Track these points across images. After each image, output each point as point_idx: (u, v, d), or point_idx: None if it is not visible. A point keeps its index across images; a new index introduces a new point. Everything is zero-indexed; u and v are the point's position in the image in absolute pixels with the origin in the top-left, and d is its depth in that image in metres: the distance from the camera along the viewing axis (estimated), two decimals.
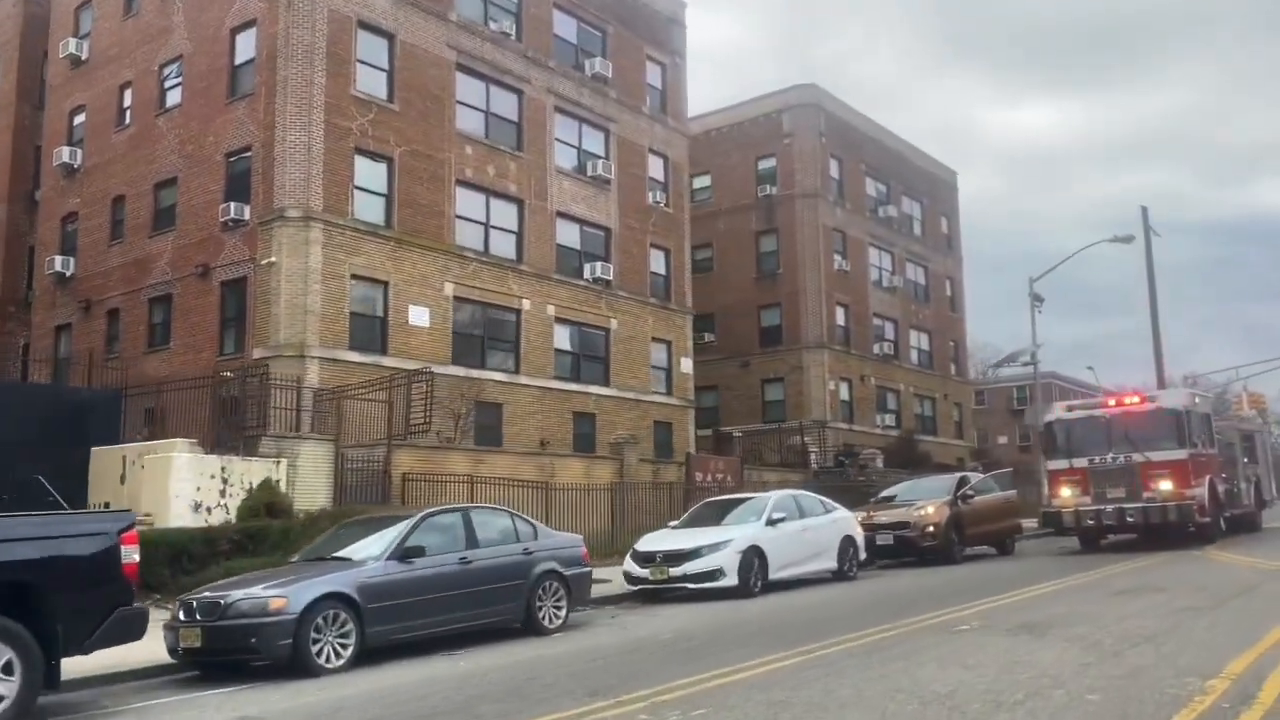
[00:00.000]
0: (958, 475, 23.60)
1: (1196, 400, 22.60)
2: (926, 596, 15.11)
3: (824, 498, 19.61)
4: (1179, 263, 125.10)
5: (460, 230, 30.44)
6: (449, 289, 29.72)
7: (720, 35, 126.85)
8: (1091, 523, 21.00)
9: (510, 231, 32.10)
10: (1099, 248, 39.43)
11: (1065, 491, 21.64)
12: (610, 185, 35.54)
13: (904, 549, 21.01)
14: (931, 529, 20.86)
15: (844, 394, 46.45)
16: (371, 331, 27.82)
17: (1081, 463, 21.59)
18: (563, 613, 13.26)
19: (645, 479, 29.61)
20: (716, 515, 18.10)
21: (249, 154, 27.45)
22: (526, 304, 32.05)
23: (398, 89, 28.85)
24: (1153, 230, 42.07)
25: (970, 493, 22.00)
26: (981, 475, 25.04)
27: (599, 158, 35.03)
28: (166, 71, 30.56)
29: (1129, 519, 20.60)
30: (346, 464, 22.42)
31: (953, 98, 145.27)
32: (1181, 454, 20.78)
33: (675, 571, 15.78)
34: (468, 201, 30.79)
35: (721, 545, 16.02)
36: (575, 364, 33.94)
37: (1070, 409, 22.71)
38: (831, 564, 18.16)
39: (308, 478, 21.80)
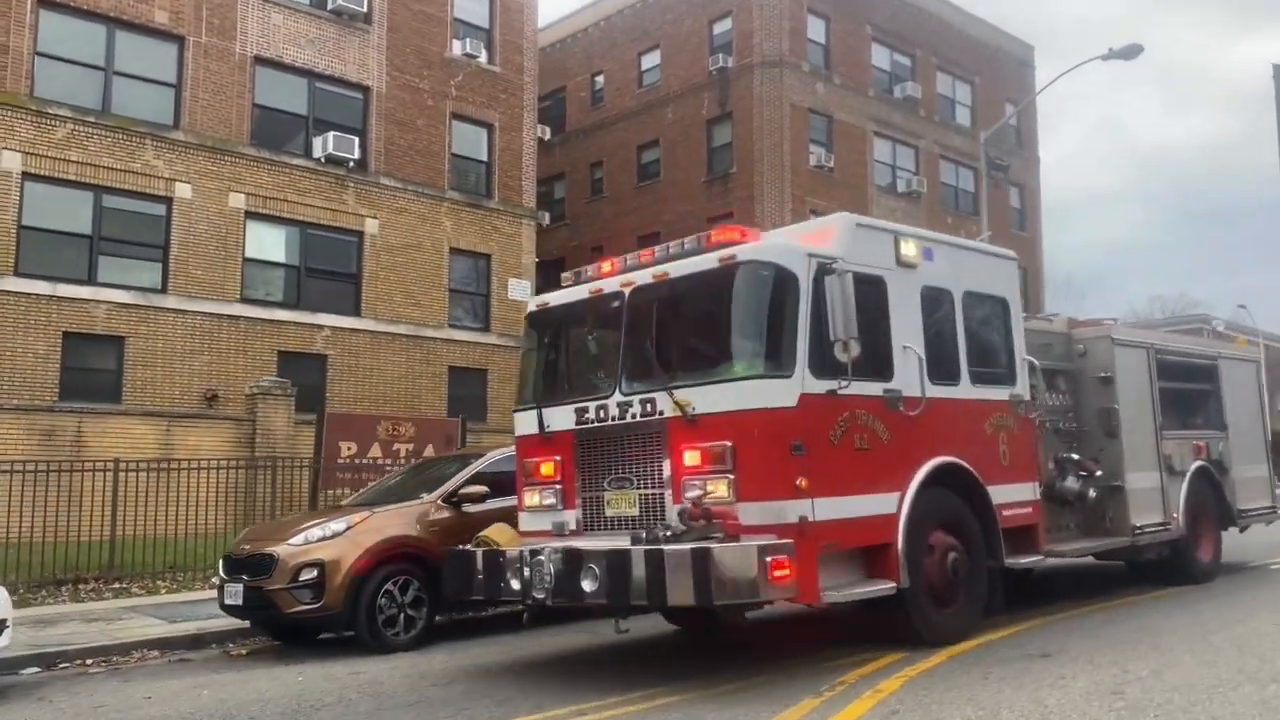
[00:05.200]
0: (495, 452, 10.83)
1: (904, 254, 8.17)
2: None
3: None
4: None
5: (48, 76, 20.28)
6: (11, 161, 19.62)
7: None
8: (516, 585, 7.38)
9: (160, 84, 21.66)
10: None
11: (530, 498, 8.34)
12: (371, 24, 24.51)
13: (265, 613, 9.35)
14: (314, 575, 8.92)
15: None
16: None
17: (563, 421, 8.08)
18: None
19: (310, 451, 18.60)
20: None
21: None
22: (185, 190, 21.57)
23: None
24: None
25: (477, 490, 9.82)
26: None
27: None
28: None
29: (585, 583, 6.92)
30: None
31: (1178, 33, 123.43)
32: (780, 395, 7.06)
33: None
34: (64, 33, 20.56)
35: None
36: (295, 282, 23.28)
37: (575, 279, 8.67)
38: None
39: None
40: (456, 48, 26.10)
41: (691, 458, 7.15)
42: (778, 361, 7.18)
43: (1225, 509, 12.10)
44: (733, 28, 35.11)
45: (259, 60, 22.84)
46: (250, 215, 22.46)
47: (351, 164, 23.79)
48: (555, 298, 8.75)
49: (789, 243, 7.78)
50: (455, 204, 25.77)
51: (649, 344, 7.82)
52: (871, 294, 7.77)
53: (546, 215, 34.47)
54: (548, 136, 38.91)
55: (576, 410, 7.98)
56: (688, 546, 6.63)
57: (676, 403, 7.24)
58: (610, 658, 8.68)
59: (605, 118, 38.87)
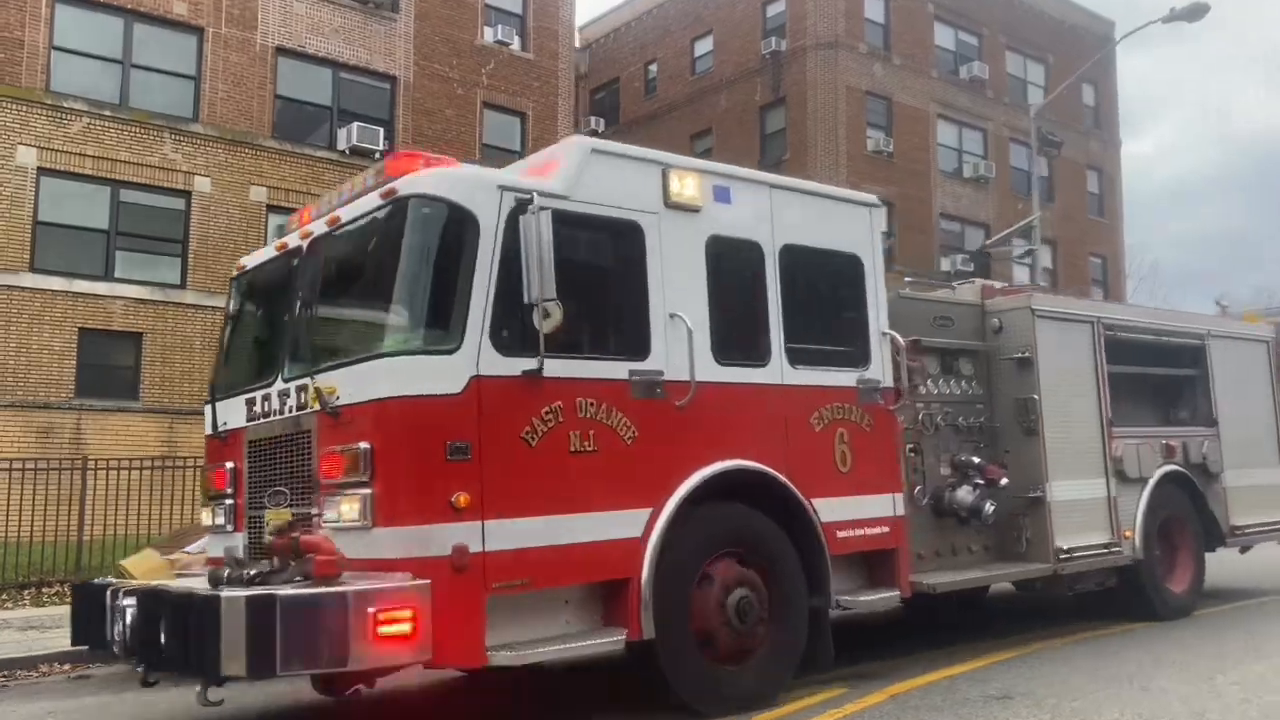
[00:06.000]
0: None
1: (677, 192, 6.17)
2: None
3: None
4: None
5: (64, 69, 20.12)
6: (27, 156, 19.48)
7: None
8: (110, 636, 5.63)
9: (179, 76, 21.39)
10: None
11: (205, 516, 6.71)
12: (398, 12, 23.96)
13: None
14: None
15: None
16: None
17: (237, 417, 6.32)
18: None
19: None
20: None
21: None
22: (204, 183, 21.26)
23: None
24: None
25: None
26: None
27: None
28: None
29: (165, 638, 5.20)
30: None
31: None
32: (434, 378, 5.18)
33: None
34: (81, 26, 20.37)
35: None
36: None
37: (281, 232, 6.97)
38: None
39: None
40: (488, 35, 25.41)
41: (330, 465, 5.41)
42: (439, 332, 5.34)
43: (1210, 525, 9.61)
44: (786, 9, 33.83)
45: (281, 51, 22.44)
46: (272, 209, 22.05)
47: (377, 155, 23.25)
48: (253, 258, 6.98)
49: (469, 172, 5.95)
50: None
51: (309, 312, 6.13)
52: (620, 244, 6.01)
53: None
54: (601, 129, 38.39)
55: (247, 403, 6.28)
56: (242, 594, 4.83)
57: (316, 390, 5.48)
58: (512, 692, 7.72)
59: (658, 108, 37.91)
